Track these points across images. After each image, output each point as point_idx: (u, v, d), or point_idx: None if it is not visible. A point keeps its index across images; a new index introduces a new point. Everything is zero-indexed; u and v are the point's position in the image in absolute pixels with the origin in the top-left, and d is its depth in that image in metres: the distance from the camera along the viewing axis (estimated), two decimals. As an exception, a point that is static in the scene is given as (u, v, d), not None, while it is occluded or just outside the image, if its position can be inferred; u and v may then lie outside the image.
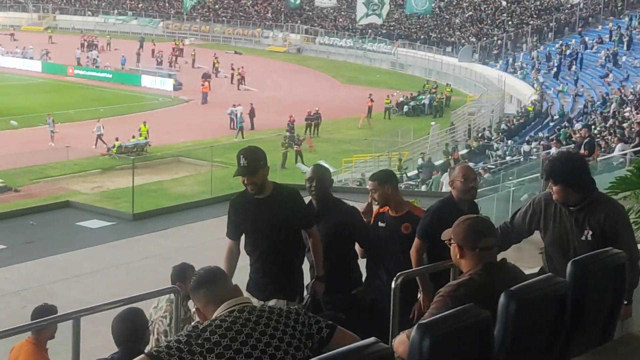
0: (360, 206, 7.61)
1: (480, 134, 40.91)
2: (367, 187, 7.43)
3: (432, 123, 45.06)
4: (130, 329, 5.12)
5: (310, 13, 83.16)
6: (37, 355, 7.16)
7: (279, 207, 6.53)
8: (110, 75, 60.71)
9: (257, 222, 6.58)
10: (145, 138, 39.66)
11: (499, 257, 4.63)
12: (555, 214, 5.93)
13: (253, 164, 6.39)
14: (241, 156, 6.35)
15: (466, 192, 6.80)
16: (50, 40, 74.86)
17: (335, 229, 7.13)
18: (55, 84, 57.45)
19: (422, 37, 72.56)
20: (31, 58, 66.23)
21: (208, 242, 19.09)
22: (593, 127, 30.63)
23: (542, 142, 32.80)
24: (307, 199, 7.08)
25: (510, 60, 60.47)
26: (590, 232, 5.76)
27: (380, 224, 7.24)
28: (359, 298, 7.25)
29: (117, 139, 37.83)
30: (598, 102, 42.56)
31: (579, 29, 60.20)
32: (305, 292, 6.91)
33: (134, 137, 38.81)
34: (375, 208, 7.43)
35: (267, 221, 6.53)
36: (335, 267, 7.08)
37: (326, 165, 36.80)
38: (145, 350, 4.75)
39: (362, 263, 7.60)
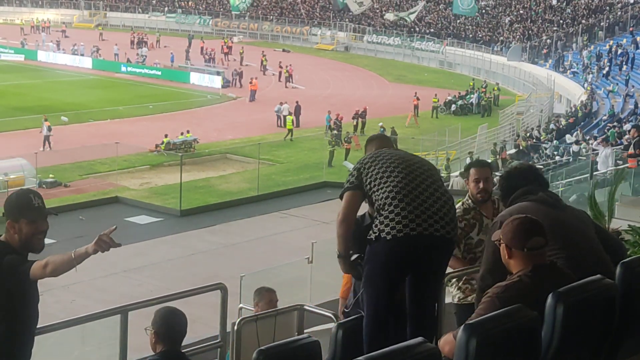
0: None
1: (528, 134, 40.57)
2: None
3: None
4: (164, 332, 4.94)
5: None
6: None
7: None
8: (160, 73, 61.04)
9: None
10: (290, 129, 40.49)
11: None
12: None
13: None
14: (35, 196, 4.72)
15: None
16: (100, 37, 75.66)
17: None
18: (105, 81, 58.02)
19: (470, 35, 72.14)
20: (82, 55, 66.93)
21: (255, 239, 19.24)
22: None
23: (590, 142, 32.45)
24: None
25: (560, 59, 59.83)
26: None
27: None
28: None
29: (166, 136, 38.06)
30: (649, 103, 41.98)
31: (631, 29, 59.28)
32: None
33: (182, 133, 39.04)
34: None
35: None
36: None
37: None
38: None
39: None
